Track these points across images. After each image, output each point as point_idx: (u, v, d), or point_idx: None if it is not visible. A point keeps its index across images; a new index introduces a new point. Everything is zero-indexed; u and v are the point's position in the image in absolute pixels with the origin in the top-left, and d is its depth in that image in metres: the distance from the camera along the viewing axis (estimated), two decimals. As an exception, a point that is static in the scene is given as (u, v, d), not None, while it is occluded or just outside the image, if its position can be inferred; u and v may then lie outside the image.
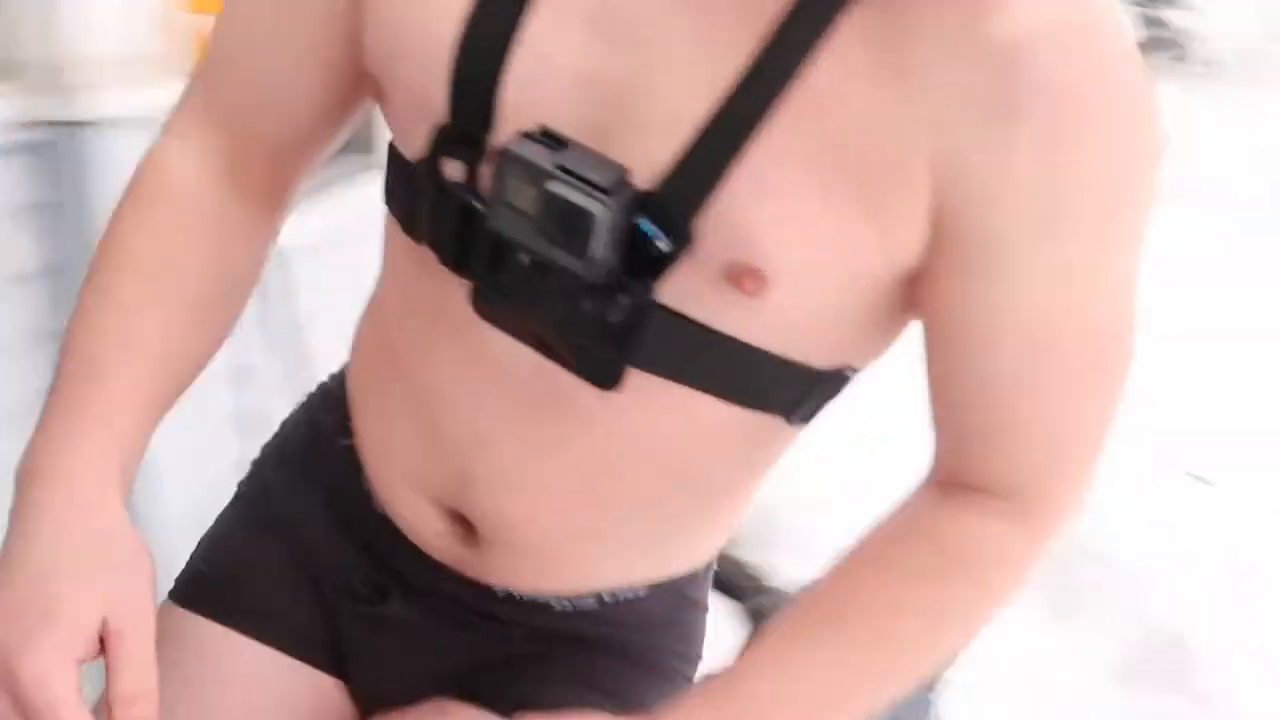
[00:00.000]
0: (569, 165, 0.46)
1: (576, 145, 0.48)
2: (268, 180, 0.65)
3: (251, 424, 1.47)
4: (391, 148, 0.58)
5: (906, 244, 0.50)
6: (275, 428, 0.79)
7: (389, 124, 0.59)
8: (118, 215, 0.61)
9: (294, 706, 0.69)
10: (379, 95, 0.59)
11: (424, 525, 0.65)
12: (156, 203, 0.61)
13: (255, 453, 0.78)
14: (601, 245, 0.46)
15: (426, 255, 0.55)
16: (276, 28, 0.59)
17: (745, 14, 0.47)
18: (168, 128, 0.64)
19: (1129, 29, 0.52)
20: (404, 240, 0.58)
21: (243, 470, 0.79)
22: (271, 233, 0.67)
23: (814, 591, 0.58)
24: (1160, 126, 0.50)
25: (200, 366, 0.61)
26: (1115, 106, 0.48)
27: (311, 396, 0.78)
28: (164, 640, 0.51)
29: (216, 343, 0.62)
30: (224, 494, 0.78)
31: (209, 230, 0.61)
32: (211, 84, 0.64)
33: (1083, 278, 0.51)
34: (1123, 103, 0.49)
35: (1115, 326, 0.54)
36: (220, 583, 0.70)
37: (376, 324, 0.68)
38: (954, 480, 0.58)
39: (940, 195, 0.48)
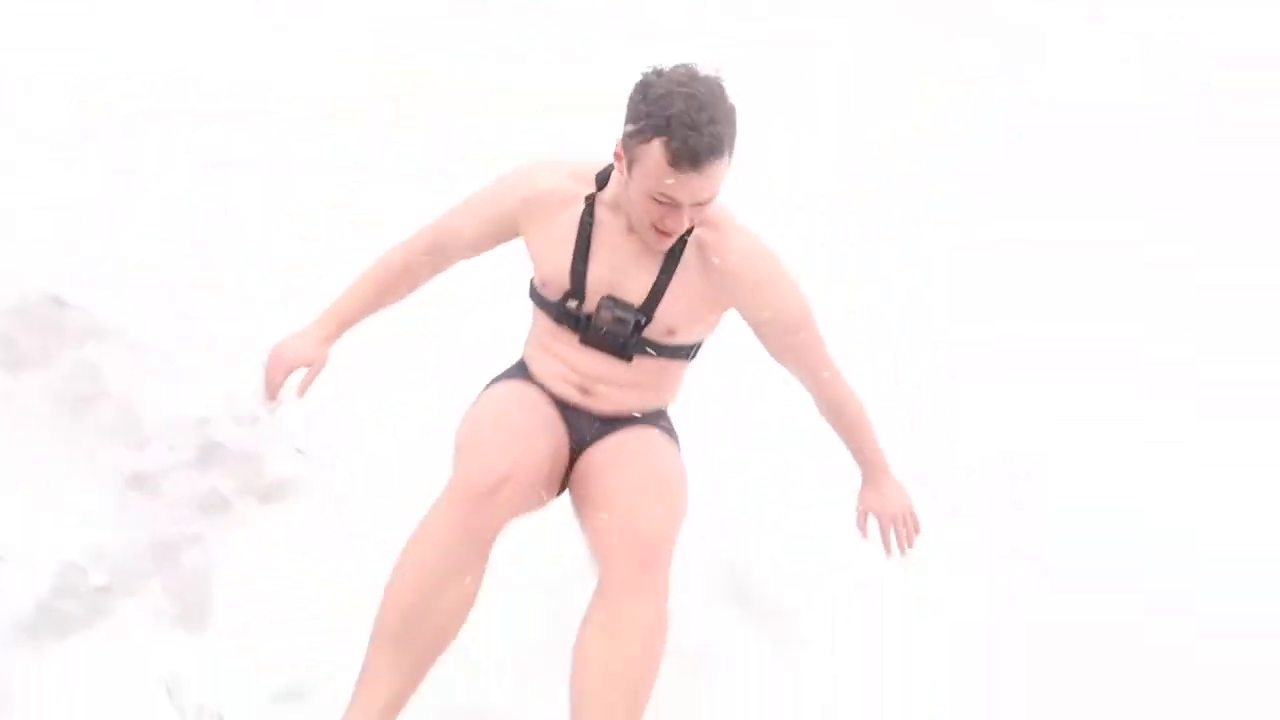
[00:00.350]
0: (618, 304, 1.86)
1: (620, 300, 1.86)
2: (435, 268, 2.05)
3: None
4: (533, 284, 1.97)
5: (720, 316, 1.94)
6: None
7: (536, 280, 1.96)
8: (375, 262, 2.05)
9: (550, 415, 1.94)
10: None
11: (567, 395, 1.95)
12: (383, 263, 2.03)
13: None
14: (628, 325, 1.86)
15: (557, 326, 1.93)
16: (479, 226, 1.95)
17: (654, 256, 1.82)
18: (406, 240, 2.02)
19: (767, 246, 1.85)
20: (544, 317, 1.96)
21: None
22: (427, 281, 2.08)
23: None
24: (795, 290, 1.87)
25: (373, 312, 2.05)
26: (773, 279, 1.85)
27: (514, 366, 2.07)
28: (503, 387, 2.01)
29: (383, 308, 2.06)
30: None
31: (399, 275, 2.03)
32: (434, 240, 1.99)
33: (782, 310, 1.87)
34: (774, 276, 1.85)
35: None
36: (511, 374, 2.05)
37: (534, 340, 2.01)
38: None
39: (729, 306, 1.89)
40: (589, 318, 1.84)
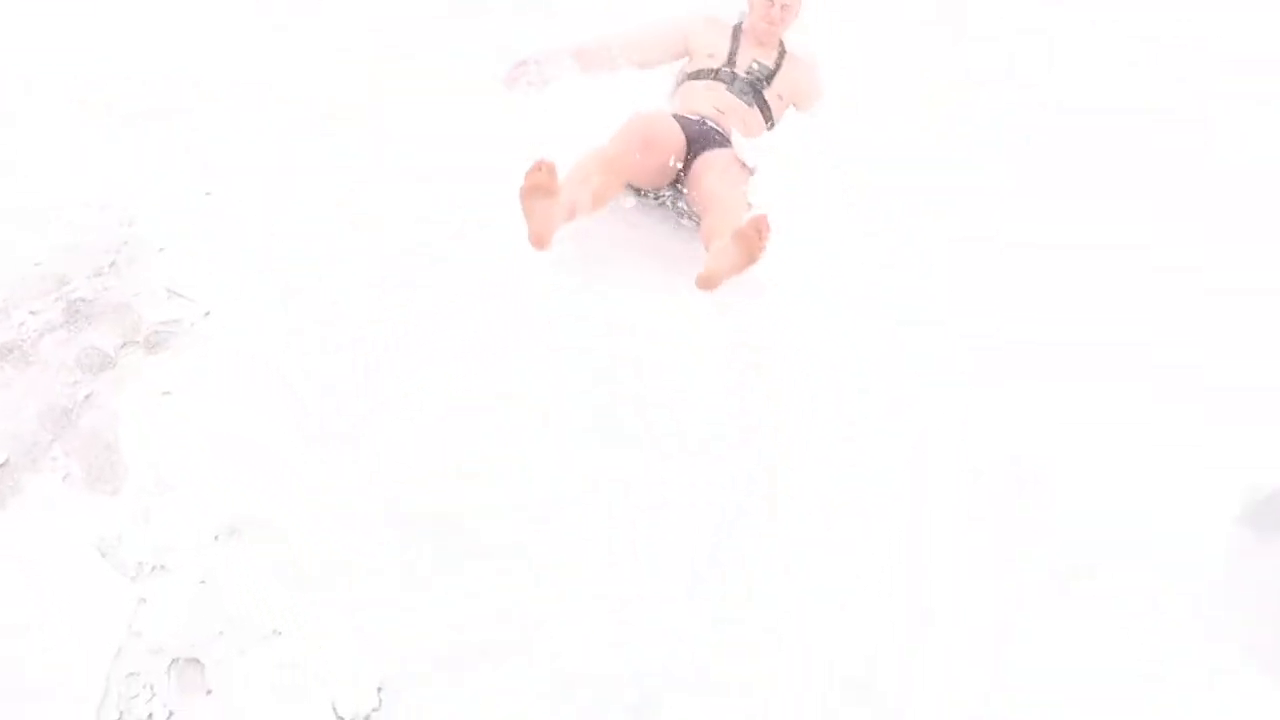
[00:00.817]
0: (759, 64, 3.21)
1: (760, 62, 3.22)
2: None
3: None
4: (686, 71, 3.26)
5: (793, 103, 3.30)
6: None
7: (690, 63, 3.25)
8: None
9: (672, 125, 2.93)
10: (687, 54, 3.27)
11: (708, 112, 3.08)
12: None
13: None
14: (764, 73, 3.21)
15: (713, 81, 3.16)
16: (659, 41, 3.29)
17: (771, 53, 3.30)
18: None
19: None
20: (699, 80, 3.17)
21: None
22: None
23: None
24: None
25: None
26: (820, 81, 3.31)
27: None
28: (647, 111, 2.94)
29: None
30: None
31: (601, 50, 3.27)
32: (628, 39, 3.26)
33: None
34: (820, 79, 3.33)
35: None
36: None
37: (684, 93, 3.15)
38: None
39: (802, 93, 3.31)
40: (735, 75, 3.06)
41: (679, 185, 2.90)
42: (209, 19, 3.68)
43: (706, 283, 2.42)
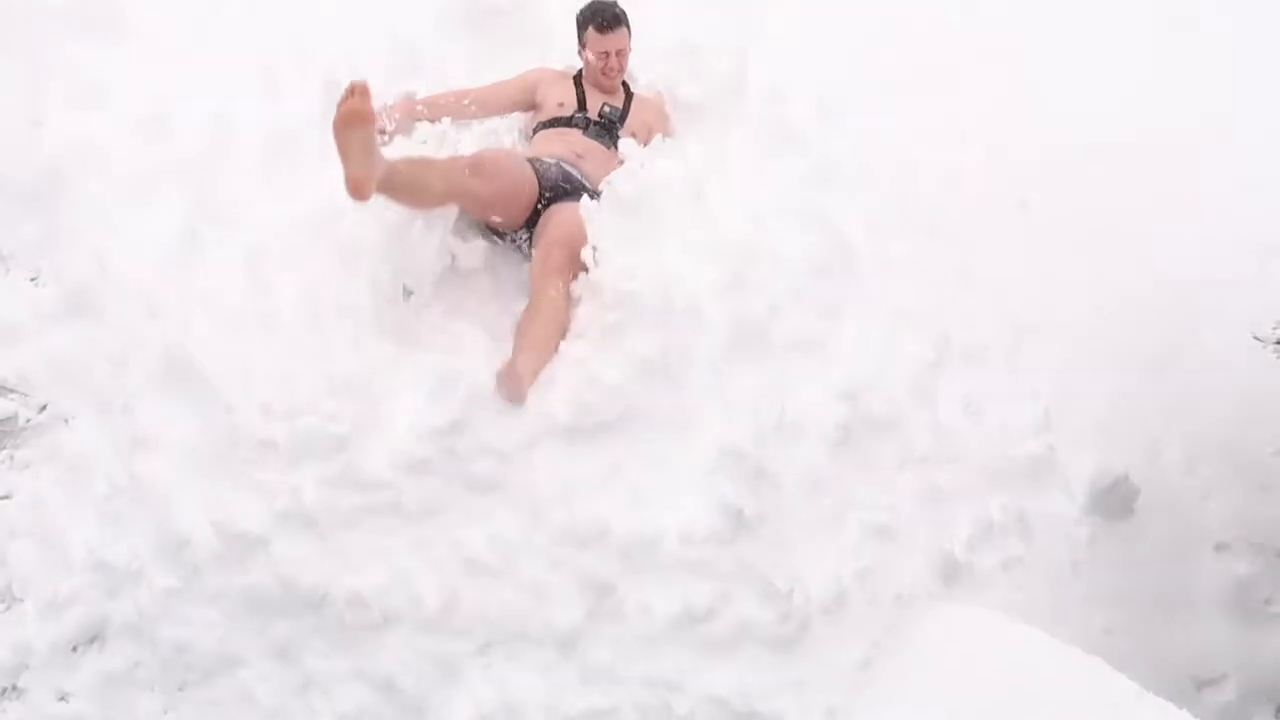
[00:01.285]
0: (611, 108, 3.25)
1: (612, 105, 3.27)
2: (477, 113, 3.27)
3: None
4: (540, 121, 3.21)
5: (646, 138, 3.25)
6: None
7: (540, 115, 3.24)
8: None
9: (527, 170, 2.90)
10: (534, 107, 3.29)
11: (567, 155, 3.06)
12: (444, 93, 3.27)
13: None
14: (616, 114, 3.26)
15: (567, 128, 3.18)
16: (515, 85, 3.30)
17: (618, 96, 3.34)
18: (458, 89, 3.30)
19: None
20: (554, 129, 3.17)
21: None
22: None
23: None
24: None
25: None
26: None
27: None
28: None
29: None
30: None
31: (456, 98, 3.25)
32: (478, 94, 3.26)
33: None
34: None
35: None
36: None
37: (540, 142, 3.14)
38: None
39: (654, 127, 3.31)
40: (589, 121, 3.16)
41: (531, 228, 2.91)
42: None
43: (504, 382, 2.46)
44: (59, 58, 3.62)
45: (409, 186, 2.60)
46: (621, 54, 3.18)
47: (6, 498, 2.57)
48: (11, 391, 2.79)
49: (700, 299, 2.61)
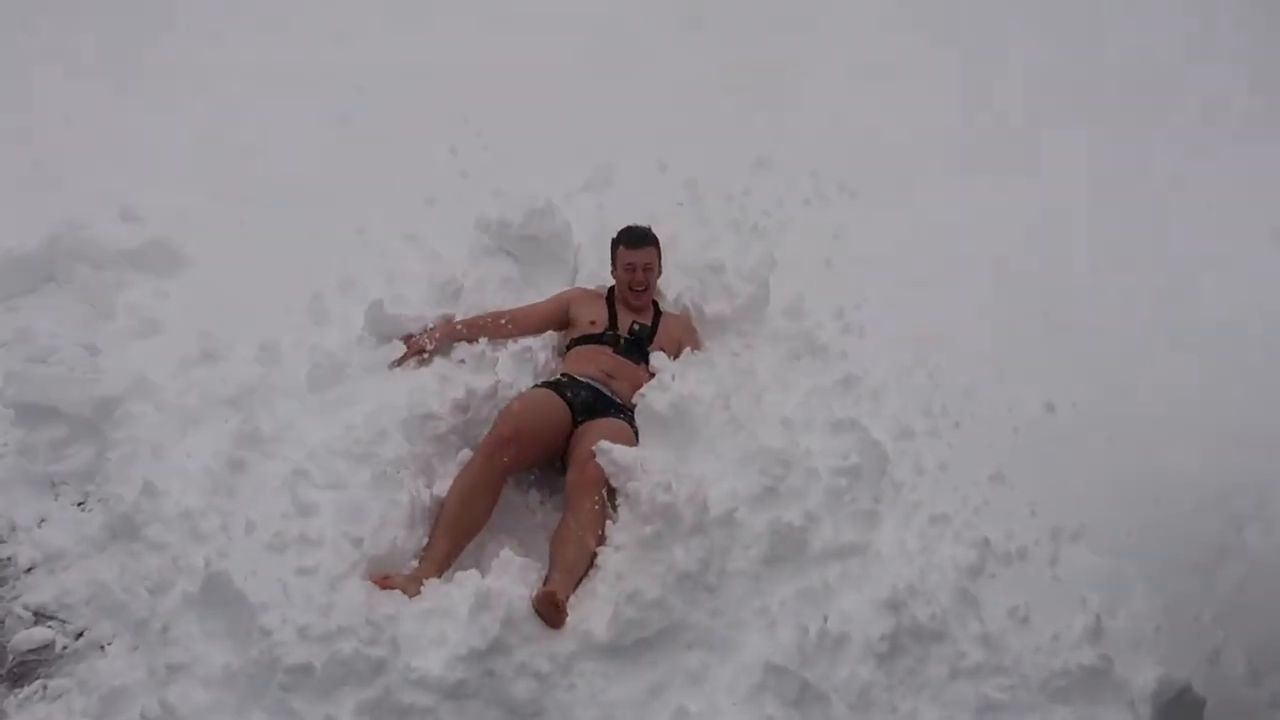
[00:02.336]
0: (640, 325, 3.39)
1: (641, 324, 3.43)
2: (513, 332, 3.48)
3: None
4: (574, 337, 3.40)
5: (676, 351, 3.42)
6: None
7: (573, 331, 3.44)
8: None
9: (558, 404, 3.03)
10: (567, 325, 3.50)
11: (597, 376, 3.19)
12: (484, 314, 3.53)
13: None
14: (645, 333, 3.38)
15: (598, 345, 3.34)
16: (548, 306, 3.53)
17: (647, 313, 3.47)
18: (494, 311, 3.54)
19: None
20: (586, 345, 3.34)
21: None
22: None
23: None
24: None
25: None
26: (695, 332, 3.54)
27: (545, 381, 3.25)
28: (531, 391, 3.16)
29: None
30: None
31: (491, 317, 3.53)
32: (514, 315, 3.49)
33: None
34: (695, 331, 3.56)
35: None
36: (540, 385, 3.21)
37: (573, 359, 3.30)
38: None
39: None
40: (619, 338, 3.30)
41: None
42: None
43: (543, 607, 2.43)
44: (119, 293, 3.86)
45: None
46: (649, 269, 3.37)
47: (35, 733, 2.50)
48: (51, 618, 2.79)
49: (737, 509, 2.63)
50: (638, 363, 3.26)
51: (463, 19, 6.02)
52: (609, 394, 3.09)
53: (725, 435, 2.88)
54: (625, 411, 3.05)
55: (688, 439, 2.85)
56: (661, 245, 3.45)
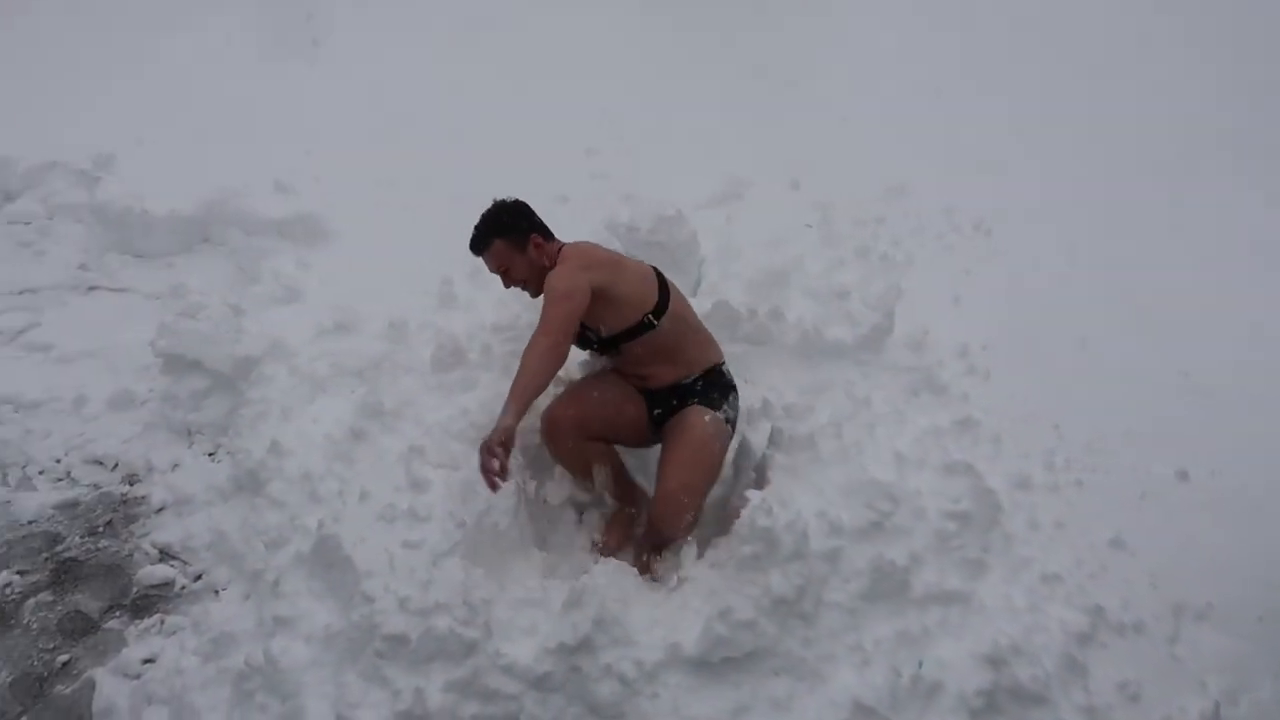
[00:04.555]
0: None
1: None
2: None
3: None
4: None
5: (608, 308, 2.84)
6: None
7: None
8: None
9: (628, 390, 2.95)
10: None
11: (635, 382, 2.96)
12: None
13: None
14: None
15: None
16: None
17: None
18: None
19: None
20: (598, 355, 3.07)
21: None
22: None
23: None
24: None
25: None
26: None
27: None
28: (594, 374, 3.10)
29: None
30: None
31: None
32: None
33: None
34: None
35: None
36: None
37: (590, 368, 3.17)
38: None
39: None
40: (589, 341, 2.95)
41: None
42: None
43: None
44: (265, 259, 4.08)
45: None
46: (506, 271, 2.89)
47: (151, 661, 2.66)
48: (174, 558, 2.96)
49: (840, 541, 2.59)
50: (605, 352, 2.99)
51: (616, 15, 6.11)
52: (657, 388, 2.93)
53: (833, 463, 2.83)
54: (695, 394, 2.88)
55: (795, 462, 2.82)
56: (595, 238, 3.14)
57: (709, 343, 3.01)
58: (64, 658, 2.72)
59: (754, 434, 3.03)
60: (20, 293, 4.02)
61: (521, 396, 2.55)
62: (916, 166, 4.59)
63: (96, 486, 3.20)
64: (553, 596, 2.51)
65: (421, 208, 4.24)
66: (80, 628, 2.80)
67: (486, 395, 3.10)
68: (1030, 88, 5.18)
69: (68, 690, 2.64)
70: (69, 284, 4.08)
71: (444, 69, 5.50)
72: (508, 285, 2.92)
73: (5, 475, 3.21)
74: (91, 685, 2.62)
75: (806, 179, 4.61)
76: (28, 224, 4.39)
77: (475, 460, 2.57)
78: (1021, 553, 2.72)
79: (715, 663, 2.41)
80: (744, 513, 2.57)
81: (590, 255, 2.87)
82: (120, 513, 3.11)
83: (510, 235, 2.85)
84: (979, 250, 4.06)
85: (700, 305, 3.60)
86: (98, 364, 3.60)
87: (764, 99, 5.35)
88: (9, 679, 2.67)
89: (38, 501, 3.12)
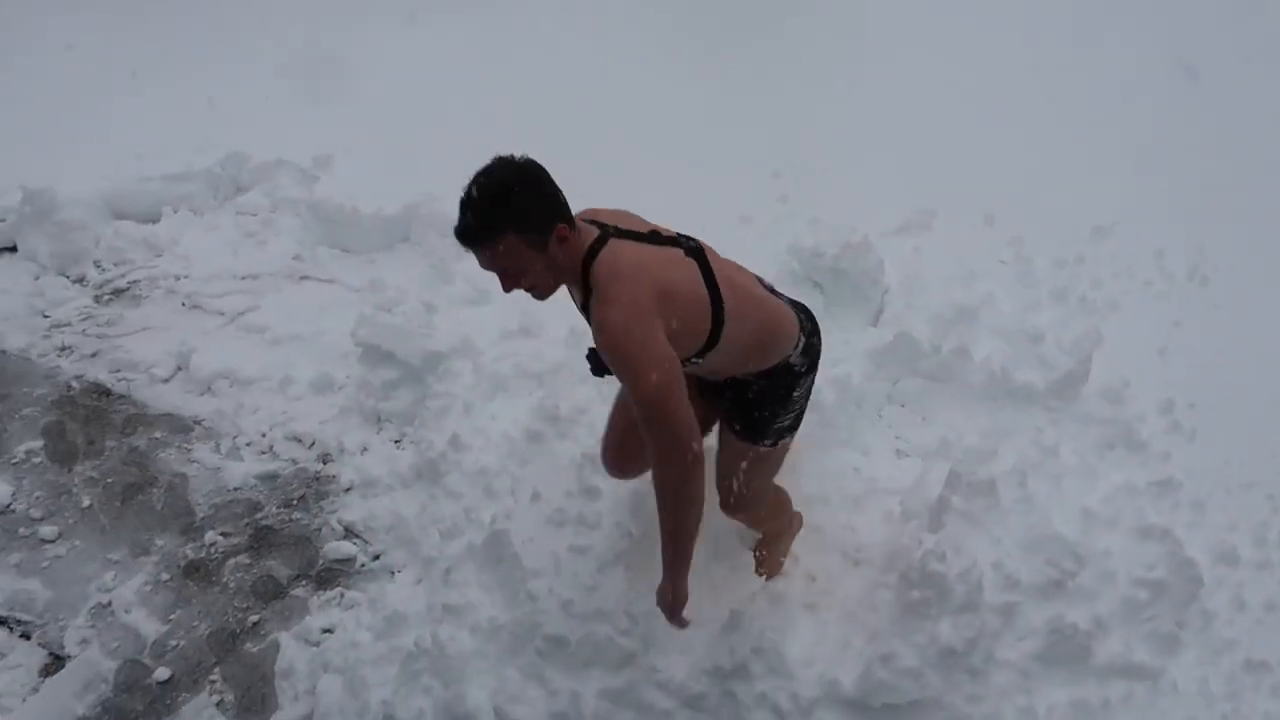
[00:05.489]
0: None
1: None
2: None
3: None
4: None
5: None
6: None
7: None
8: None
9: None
10: None
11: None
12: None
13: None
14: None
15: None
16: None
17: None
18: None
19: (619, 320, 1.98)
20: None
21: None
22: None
23: None
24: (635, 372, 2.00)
25: None
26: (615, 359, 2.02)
27: None
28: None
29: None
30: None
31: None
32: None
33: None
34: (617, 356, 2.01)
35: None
36: None
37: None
38: None
39: None
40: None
41: None
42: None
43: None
44: (458, 261, 4.28)
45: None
46: (508, 275, 2.06)
47: (329, 631, 2.84)
48: (357, 536, 3.16)
49: (1016, 597, 2.45)
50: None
51: (812, 45, 6.08)
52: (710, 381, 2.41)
53: (1015, 513, 2.69)
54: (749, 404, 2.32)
55: (972, 508, 2.69)
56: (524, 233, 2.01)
57: (776, 333, 2.27)
58: (254, 618, 2.95)
59: (930, 473, 2.92)
60: (243, 278, 4.40)
61: (689, 553, 2.14)
62: (1125, 205, 4.30)
63: (294, 462, 3.45)
64: (712, 617, 2.51)
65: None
66: (270, 591, 3.02)
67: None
68: (1260, 128, 4.77)
69: (255, 649, 2.87)
70: (285, 272, 4.42)
71: (640, 82, 5.62)
72: (509, 289, 2.09)
73: (219, 444, 3.52)
74: (276, 647, 2.83)
75: (1002, 213, 4.41)
76: (254, 215, 4.80)
77: (646, 474, 2.60)
78: (1223, 634, 2.49)
79: (874, 708, 2.33)
80: (915, 556, 2.48)
81: (644, 287, 2.00)
82: (313, 489, 3.34)
83: (528, 227, 1.97)
84: (1192, 300, 3.75)
85: (881, 336, 3.52)
86: (304, 348, 3.88)
87: (957, 126, 5.17)
88: (207, 631, 2.92)
89: (243, 471, 3.40)
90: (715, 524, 2.92)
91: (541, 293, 2.13)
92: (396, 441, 3.45)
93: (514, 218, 1.96)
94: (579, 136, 5.14)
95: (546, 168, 2.05)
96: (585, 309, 2.11)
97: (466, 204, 1.97)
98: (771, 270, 3.82)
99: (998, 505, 2.70)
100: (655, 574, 2.64)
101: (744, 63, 5.95)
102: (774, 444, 2.38)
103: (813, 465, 3.10)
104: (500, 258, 2.00)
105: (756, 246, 4.04)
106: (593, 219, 2.14)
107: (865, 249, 3.72)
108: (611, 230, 2.11)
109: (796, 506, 2.75)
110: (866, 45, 5.95)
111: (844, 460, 3.14)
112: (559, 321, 3.58)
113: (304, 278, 4.40)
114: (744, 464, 2.38)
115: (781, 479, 2.60)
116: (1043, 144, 4.93)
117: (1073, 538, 2.59)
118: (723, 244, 4.08)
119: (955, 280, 3.79)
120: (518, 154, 2.03)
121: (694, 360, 2.17)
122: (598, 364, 2.17)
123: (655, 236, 2.19)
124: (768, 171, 4.86)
